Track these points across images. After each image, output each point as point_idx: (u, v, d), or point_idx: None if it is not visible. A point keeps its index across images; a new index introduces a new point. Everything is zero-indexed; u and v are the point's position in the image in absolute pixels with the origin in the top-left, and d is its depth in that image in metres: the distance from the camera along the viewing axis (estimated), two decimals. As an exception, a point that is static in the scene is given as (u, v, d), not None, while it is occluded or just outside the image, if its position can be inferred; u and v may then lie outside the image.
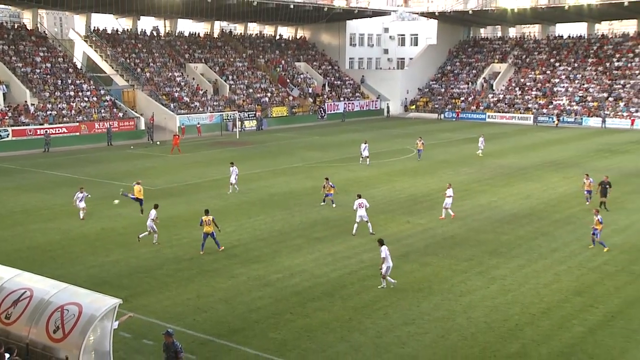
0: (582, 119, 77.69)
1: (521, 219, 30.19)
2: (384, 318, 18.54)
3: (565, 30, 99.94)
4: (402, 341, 17.04)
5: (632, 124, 73.53)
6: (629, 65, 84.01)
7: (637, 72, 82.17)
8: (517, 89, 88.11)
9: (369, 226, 27.21)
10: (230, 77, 78.70)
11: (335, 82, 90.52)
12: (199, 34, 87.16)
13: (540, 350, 16.44)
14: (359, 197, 27.68)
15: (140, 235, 25.85)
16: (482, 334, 17.47)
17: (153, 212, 25.81)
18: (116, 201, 30.58)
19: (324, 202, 32.69)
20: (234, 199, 34.57)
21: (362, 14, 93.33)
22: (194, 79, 75.74)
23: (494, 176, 41.71)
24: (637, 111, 75.74)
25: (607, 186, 31.72)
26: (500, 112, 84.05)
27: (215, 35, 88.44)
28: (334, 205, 32.19)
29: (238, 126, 67.37)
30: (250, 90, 78.45)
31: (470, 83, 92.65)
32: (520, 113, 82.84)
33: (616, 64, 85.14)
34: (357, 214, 27.21)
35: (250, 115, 72.56)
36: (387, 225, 28.78)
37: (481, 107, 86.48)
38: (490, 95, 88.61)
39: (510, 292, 20.51)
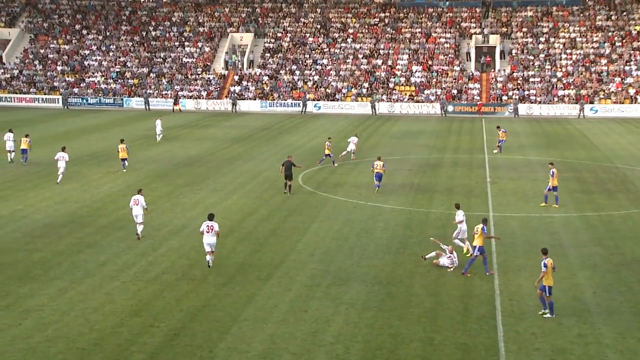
0: (122, 99, 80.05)
1: (59, 229, 29.48)
2: None
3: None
4: None
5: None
6: (167, 35, 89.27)
7: (176, 43, 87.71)
8: (36, 62, 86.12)
9: None
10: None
11: None
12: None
13: (94, 395, 16.16)
14: None
15: None
16: (16, 391, 16.41)
17: None
18: None
19: None
20: None
21: None
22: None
23: (17, 177, 40.05)
24: (182, 89, 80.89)
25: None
26: (17, 94, 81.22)
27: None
28: None
29: None
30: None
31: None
32: (45, 94, 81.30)
33: (153, 33, 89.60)
34: None
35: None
36: None
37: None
38: (0, 71, 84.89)
39: (51, 326, 19.73)
